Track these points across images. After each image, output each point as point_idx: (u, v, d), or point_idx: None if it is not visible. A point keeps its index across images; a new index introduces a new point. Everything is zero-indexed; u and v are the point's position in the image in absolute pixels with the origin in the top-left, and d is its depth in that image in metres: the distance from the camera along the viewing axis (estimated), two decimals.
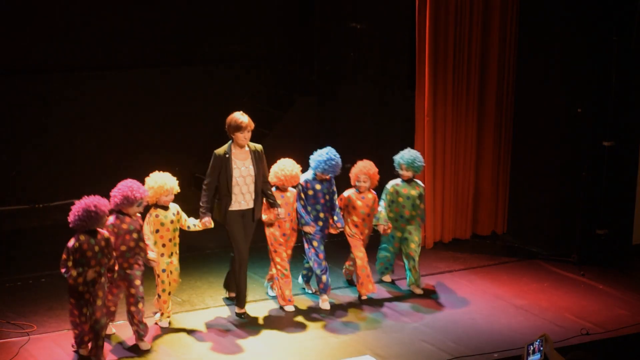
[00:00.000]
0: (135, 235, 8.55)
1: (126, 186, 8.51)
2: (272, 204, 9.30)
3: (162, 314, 9.08)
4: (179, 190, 9.00)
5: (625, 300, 10.10)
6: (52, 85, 12.44)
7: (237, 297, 9.39)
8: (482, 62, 11.46)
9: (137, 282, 8.56)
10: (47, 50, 12.39)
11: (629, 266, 11.08)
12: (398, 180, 10.05)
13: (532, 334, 9.15)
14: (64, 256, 8.08)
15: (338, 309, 9.63)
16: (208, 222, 9.07)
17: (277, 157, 13.10)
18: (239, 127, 9.07)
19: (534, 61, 11.41)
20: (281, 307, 9.55)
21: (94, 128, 12.69)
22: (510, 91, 11.63)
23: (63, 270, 8.08)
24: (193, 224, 9.10)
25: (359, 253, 9.78)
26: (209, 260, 10.78)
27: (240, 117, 9.12)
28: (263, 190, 9.24)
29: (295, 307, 9.57)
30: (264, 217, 9.39)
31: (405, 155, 9.97)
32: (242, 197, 9.15)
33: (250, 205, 9.20)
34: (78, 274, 8.02)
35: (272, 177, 9.41)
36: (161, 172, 9.02)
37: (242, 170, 9.14)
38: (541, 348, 6.73)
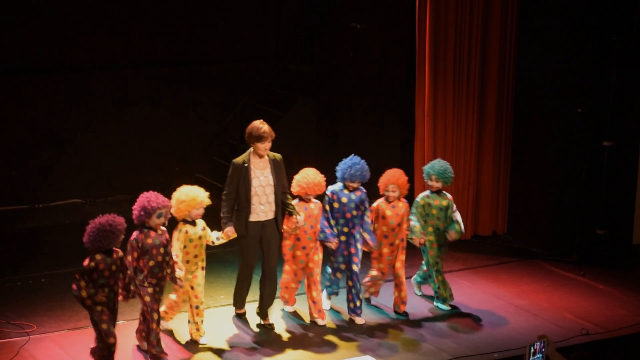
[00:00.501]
0: (162, 250, 8.19)
1: (143, 197, 8.18)
2: (291, 212, 8.96)
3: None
4: (210, 203, 8.65)
5: (625, 300, 10.10)
6: (52, 85, 12.44)
7: (238, 298, 9.25)
8: (482, 62, 11.46)
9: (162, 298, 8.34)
10: (47, 50, 12.39)
11: (629, 266, 11.08)
12: (427, 192, 9.67)
13: (532, 334, 9.14)
14: (77, 276, 7.81)
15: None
16: (230, 231, 8.74)
17: None
18: (260, 137, 8.76)
19: (534, 61, 11.41)
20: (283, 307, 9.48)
21: (94, 128, 12.69)
22: (511, 91, 11.63)
23: (74, 288, 7.80)
24: (216, 237, 8.76)
25: (377, 269, 9.50)
26: (208, 259, 10.71)
27: (261, 126, 8.78)
28: (282, 199, 8.94)
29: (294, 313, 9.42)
30: (284, 226, 9.05)
31: (436, 166, 9.60)
32: (261, 208, 8.84)
33: (270, 216, 8.89)
34: (88, 296, 7.77)
35: (294, 187, 9.05)
36: (190, 185, 8.65)
37: (262, 180, 8.82)
38: (543, 349, 6.71)
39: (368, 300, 9.71)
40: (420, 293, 10.00)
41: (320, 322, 9.22)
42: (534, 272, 10.87)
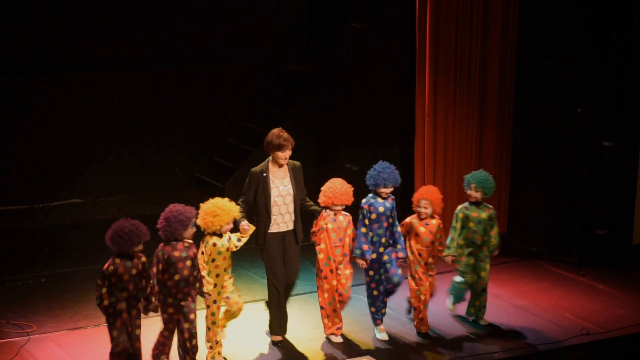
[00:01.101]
0: (189, 264, 7.92)
1: (174, 210, 7.89)
2: (315, 210, 8.68)
3: (211, 348, 8.43)
4: (239, 217, 8.35)
5: (625, 300, 10.10)
6: (52, 85, 12.43)
7: (276, 324, 8.78)
8: (482, 62, 11.45)
9: (192, 315, 7.96)
10: (47, 50, 12.39)
11: (629, 266, 11.09)
12: (466, 204, 9.32)
13: (532, 334, 9.17)
14: (99, 281, 7.64)
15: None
16: (245, 224, 8.36)
17: None
18: (280, 146, 8.49)
19: (535, 61, 11.41)
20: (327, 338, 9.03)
21: (94, 128, 12.68)
22: (511, 91, 11.63)
23: (97, 295, 7.63)
24: (236, 239, 8.40)
25: (422, 287, 9.07)
26: None
27: (281, 134, 8.51)
28: (301, 202, 8.68)
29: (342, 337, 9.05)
30: (313, 230, 8.72)
31: (477, 174, 9.26)
32: (281, 218, 8.58)
33: (290, 226, 8.63)
34: (110, 304, 7.62)
35: (321, 197, 8.73)
36: (219, 198, 8.34)
37: (281, 190, 8.55)
38: None
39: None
40: (452, 307, 9.63)
41: (335, 338, 8.92)
42: (534, 272, 10.88)
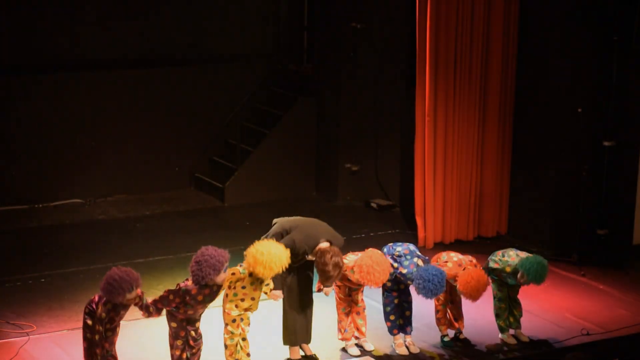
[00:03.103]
0: (206, 306, 7.69)
1: (206, 254, 7.49)
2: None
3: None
4: (286, 265, 7.83)
5: (625, 300, 10.10)
6: (52, 85, 12.44)
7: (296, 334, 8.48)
8: (482, 62, 11.45)
9: (197, 324, 7.79)
10: (47, 49, 12.39)
11: (630, 266, 11.07)
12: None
13: (533, 334, 9.15)
14: (89, 321, 7.47)
15: None
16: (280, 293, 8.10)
17: (276, 157, 13.20)
18: (328, 278, 8.06)
19: (535, 61, 11.40)
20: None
21: (94, 128, 12.69)
22: (511, 91, 11.63)
23: (87, 333, 7.49)
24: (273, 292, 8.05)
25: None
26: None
27: (338, 266, 8.04)
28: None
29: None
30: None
31: (532, 269, 8.51)
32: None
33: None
34: (96, 333, 7.47)
35: (355, 273, 8.23)
36: (270, 243, 7.84)
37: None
38: None
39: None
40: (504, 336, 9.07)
41: (368, 346, 8.74)
42: None
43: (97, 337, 7.47)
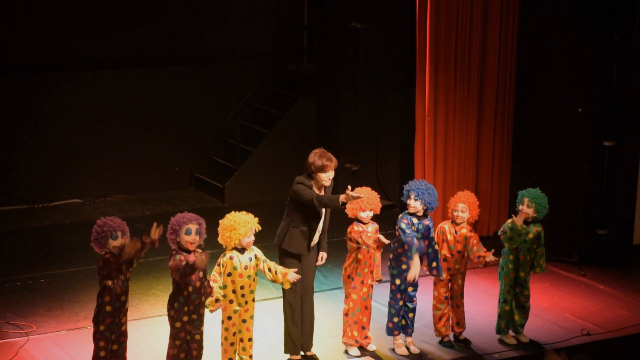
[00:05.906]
0: (200, 275, 7.56)
1: (172, 221, 7.59)
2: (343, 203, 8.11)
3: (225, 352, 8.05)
4: (259, 229, 7.90)
5: (625, 300, 10.09)
6: (52, 85, 12.44)
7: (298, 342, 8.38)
8: (482, 62, 11.45)
9: (202, 327, 7.72)
10: (47, 50, 12.39)
11: (630, 266, 11.08)
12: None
13: (533, 334, 9.15)
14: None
15: None
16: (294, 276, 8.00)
17: (276, 156, 13.20)
18: (323, 167, 8.12)
19: (535, 61, 11.40)
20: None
21: (93, 128, 12.69)
22: (511, 91, 11.62)
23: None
24: (268, 268, 7.96)
25: (435, 292, 8.90)
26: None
27: (324, 154, 8.15)
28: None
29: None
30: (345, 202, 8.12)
31: (532, 190, 8.79)
32: (316, 235, 8.32)
33: (317, 240, 8.35)
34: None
35: (347, 208, 8.38)
36: (235, 211, 7.91)
37: (322, 211, 8.26)
38: None
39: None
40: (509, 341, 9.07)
41: (371, 347, 8.73)
42: (534, 273, 10.84)
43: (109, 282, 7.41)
